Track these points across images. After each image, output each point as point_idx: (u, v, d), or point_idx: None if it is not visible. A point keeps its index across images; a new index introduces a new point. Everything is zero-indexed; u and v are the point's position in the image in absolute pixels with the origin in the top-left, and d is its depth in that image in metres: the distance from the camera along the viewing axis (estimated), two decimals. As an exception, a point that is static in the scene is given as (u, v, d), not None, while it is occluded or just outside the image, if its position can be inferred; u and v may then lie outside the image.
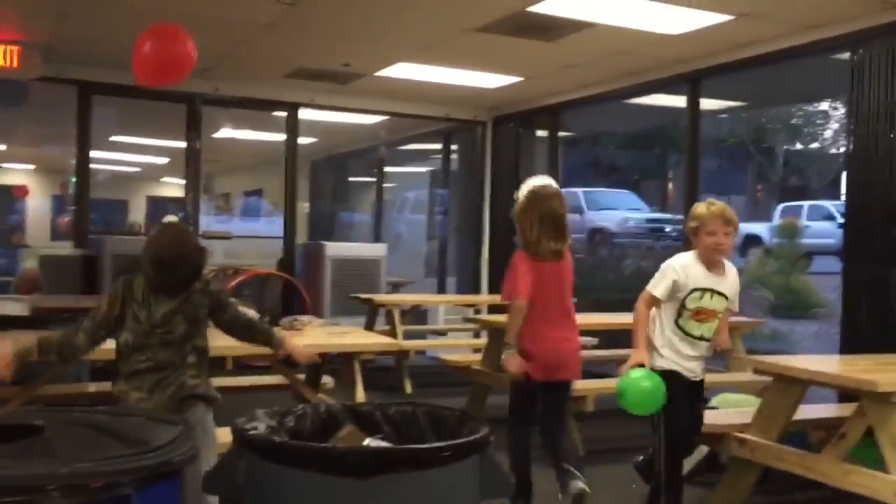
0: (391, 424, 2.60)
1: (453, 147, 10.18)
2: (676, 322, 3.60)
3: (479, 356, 5.98)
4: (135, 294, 3.18)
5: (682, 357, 3.60)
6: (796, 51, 5.89)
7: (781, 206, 18.37)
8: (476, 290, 9.15)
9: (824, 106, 19.02)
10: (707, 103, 7.63)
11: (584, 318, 6.45)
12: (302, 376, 4.72)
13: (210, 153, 10.27)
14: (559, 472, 3.72)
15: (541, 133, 8.90)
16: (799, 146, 21.61)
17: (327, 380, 4.94)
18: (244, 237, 10.42)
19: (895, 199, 5.13)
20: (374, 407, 2.64)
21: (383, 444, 2.43)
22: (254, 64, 7.37)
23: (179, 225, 3.61)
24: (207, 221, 11.67)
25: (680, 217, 7.76)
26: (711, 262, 3.59)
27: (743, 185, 22.81)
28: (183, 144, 8.23)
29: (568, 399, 3.99)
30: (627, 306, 8.59)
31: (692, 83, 6.87)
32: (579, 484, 3.59)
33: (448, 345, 7.93)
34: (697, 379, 3.69)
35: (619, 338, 6.95)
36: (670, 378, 3.52)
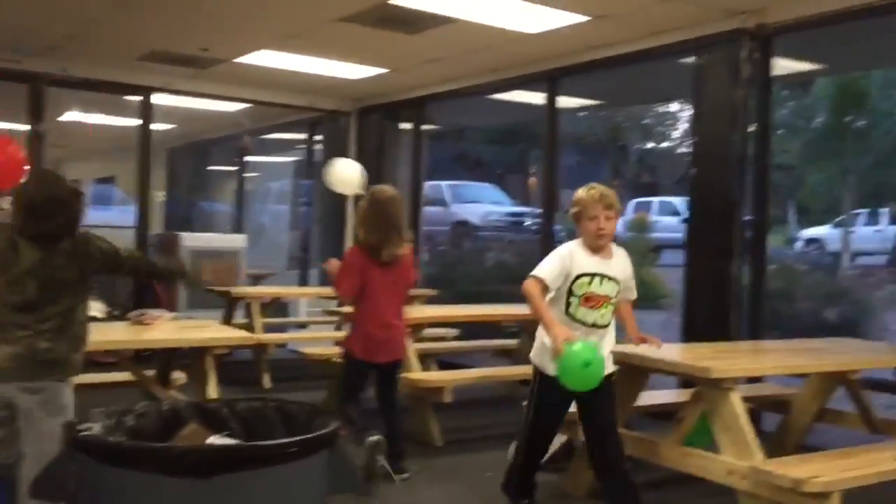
0: (239, 421, 2.53)
1: (318, 137, 10.05)
2: (566, 311, 3.46)
3: (340, 349, 5.93)
4: None
5: None
6: (647, 53, 6.16)
7: (633, 201, 19.28)
8: (339, 282, 9.08)
9: (674, 107, 20.08)
10: (565, 101, 7.86)
11: (445, 311, 6.58)
12: (152, 372, 4.53)
13: (57, 138, 9.69)
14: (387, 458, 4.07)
15: (406, 125, 8.92)
16: (651, 145, 22.76)
17: (179, 375, 4.76)
18: (93, 226, 9.87)
19: (734, 197, 5.47)
20: (222, 403, 2.57)
21: (229, 441, 2.37)
22: (105, 44, 6.99)
23: (52, 171, 3.44)
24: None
25: (540, 211, 7.96)
26: (596, 248, 3.49)
27: (600, 180, 23.67)
28: (26, 127, 7.71)
29: (395, 381, 4.47)
30: (488, 298, 8.75)
31: (551, 81, 7.06)
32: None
33: (309, 338, 7.82)
34: None
35: (479, 330, 7.11)
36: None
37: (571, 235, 3.82)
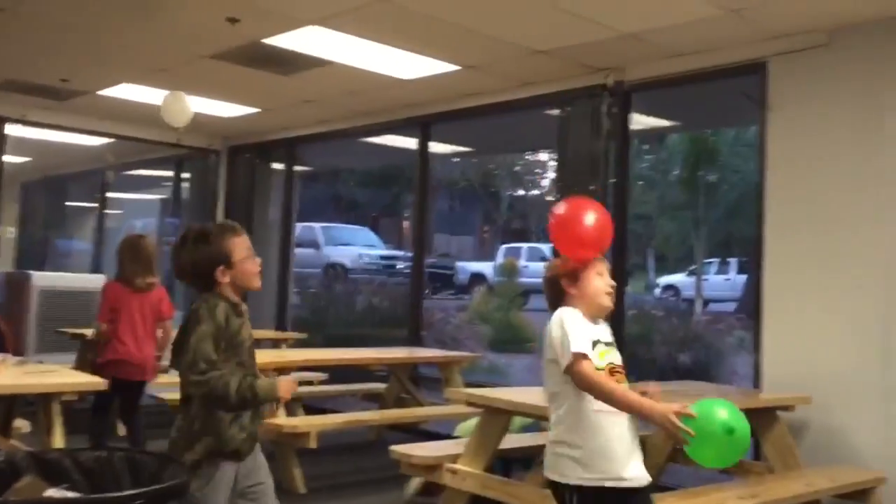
0: (83, 473, 2.38)
1: (185, 175, 9.77)
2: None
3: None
4: None
5: (612, 448, 2.52)
6: (515, 104, 6.37)
7: (503, 246, 19.76)
8: (204, 324, 8.78)
9: (543, 156, 20.82)
10: (438, 147, 8.00)
11: (312, 354, 6.47)
12: (-10, 421, 4.21)
13: None
14: None
15: (277, 166, 8.82)
16: (521, 192, 23.45)
17: (22, 424, 4.45)
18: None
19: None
20: (64, 454, 2.42)
21: (68, 495, 2.22)
22: (-48, 70, 6.59)
23: None
24: None
25: (412, 254, 8.00)
26: (598, 314, 2.65)
27: (472, 225, 24.21)
28: None
29: (140, 397, 5.06)
30: (359, 342, 8.61)
31: (423, 126, 7.19)
32: None
33: (168, 383, 7.48)
34: (641, 484, 2.56)
35: (347, 373, 7.03)
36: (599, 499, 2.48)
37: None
